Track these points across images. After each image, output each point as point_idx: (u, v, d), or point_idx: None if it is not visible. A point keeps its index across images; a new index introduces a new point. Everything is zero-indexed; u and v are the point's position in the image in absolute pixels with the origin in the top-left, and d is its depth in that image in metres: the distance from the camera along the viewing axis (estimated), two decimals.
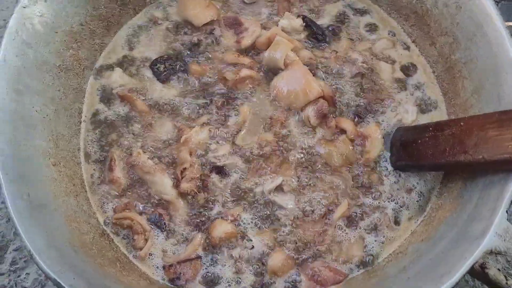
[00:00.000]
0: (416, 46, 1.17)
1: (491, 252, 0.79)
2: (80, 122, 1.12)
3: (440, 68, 1.12)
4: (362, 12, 1.22)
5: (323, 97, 1.08)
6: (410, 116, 1.09)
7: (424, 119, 1.09)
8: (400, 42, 1.18)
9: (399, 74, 1.15)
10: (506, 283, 1.26)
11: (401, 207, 1.03)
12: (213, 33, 1.20)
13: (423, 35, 1.15)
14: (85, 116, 1.13)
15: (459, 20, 1.04)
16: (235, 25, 1.20)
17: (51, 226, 0.89)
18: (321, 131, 1.08)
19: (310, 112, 1.08)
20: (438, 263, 0.83)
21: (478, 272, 1.29)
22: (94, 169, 1.09)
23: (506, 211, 0.81)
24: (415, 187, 1.04)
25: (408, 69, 1.16)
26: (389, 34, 1.19)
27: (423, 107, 1.12)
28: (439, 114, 1.10)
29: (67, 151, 1.06)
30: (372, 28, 1.20)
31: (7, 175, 0.85)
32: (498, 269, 1.37)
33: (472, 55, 1.02)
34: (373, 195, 1.03)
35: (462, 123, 0.93)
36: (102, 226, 1.03)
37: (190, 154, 1.07)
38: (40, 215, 0.88)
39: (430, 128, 0.98)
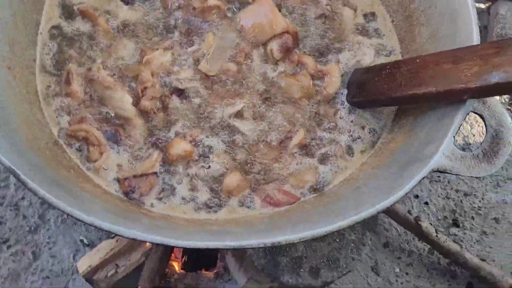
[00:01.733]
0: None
1: (437, 171, 0.85)
2: (37, 34, 1.08)
3: (399, 17, 1.17)
4: None
5: (287, 32, 1.11)
6: (368, 58, 1.14)
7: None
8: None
9: (361, 20, 1.19)
10: (436, 236, 1.36)
11: (353, 140, 1.07)
12: None
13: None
14: (43, 29, 1.09)
15: None
16: None
17: (8, 126, 0.85)
18: (283, 65, 1.11)
19: (274, 45, 1.10)
20: (390, 183, 0.88)
21: (412, 224, 1.38)
22: (50, 82, 1.05)
23: (454, 137, 0.87)
24: (369, 124, 1.09)
25: (369, 17, 1.20)
26: None
27: (381, 52, 1.17)
28: (395, 59, 1.16)
29: (23, 58, 1.02)
30: None
31: None
32: (430, 223, 1.47)
33: (431, 2, 1.08)
34: (329, 128, 1.07)
35: (418, 60, 0.98)
36: (55, 136, 1.00)
37: (152, 76, 1.06)
38: None
39: (387, 67, 1.03)
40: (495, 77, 0.82)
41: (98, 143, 0.99)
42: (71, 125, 1.01)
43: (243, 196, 0.99)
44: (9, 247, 1.39)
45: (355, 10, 1.20)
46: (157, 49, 1.08)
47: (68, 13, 1.11)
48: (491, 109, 0.90)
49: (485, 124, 0.90)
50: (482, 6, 1.72)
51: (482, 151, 0.88)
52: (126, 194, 0.97)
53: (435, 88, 0.91)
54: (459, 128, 0.89)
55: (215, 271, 1.44)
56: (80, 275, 1.32)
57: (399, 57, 1.16)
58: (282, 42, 1.10)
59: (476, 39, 0.95)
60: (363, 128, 1.08)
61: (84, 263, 1.31)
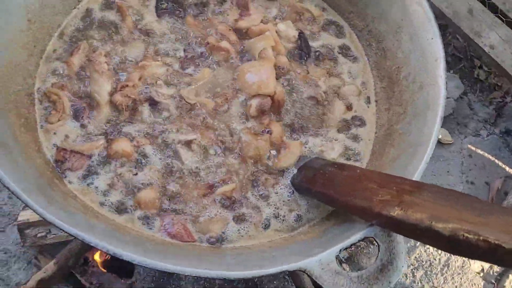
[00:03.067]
0: (376, 105, 1.24)
1: (303, 271, 0.84)
2: (74, 8, 1.24)
3: (382, 132, 1.19)
4: (352, 58, 1.31)
5: (272, 98, 1.16)
6: (332, 153, 1.16)
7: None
8: (365, 95, 1.26)
9: (349, 118, 1.22)
10: None
11: (275, 217, 1.08)
12: (222, 4, 1.31)
13: (385, 99, 1.22)
14: (80, 6, 1.25)
15: (415, 98, 1.11)
16: (243, 7, 1.30)
17: None
18: (253, 122, 1.16)
19: (254, 103, 1.16)
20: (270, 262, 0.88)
21: None
22: (59, 47, 1.19)
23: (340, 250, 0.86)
24: (298, 210, 1.09)
25: (358, 121, 1.22)
26: (361, 84, 1.27)
27: (348, 155, 1.18)
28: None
29: (48, 19, 1.17)
30: (350, 73, 1.28)
31: None
32: None
33: (409, 130, 1.08)
34: (260, 195, 1.09)
35: (358, 171, 0.99)
36: (34, 89, 1.12)
37: (139, 79, 1.16)
38: None
39: (335, 165, 1.04)
40: (394, 212, 0.81)
41: (62, 110, 1.10)
42: (52, 86, 1.13)
43: (148, 213, 1.04)
44: None
45: (348, 108, 1.23)
46: (158, 61, 1.19)
47: (107, 2, 1.26)
48: (391, 244, 0.87)
49: (377, 255, 0.88)
50: None
51: (358, 278, 0.85)
52: (56, 161, 1.06)
53: (352, 201, 0.91)
54: (353, 245, 0.88)
55: (129, 281, 1.47)
56: (15, 224, 1.42)
57: (362, 166, 1.16)
58: (261, 103, 1.16)
59: (417, 175, 0.95)
60: (291, 211, 1.09)
61: (25, 215, 1.41)
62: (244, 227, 1.06)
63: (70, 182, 1.05)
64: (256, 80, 1.17)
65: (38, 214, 0.80)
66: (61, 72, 1.16)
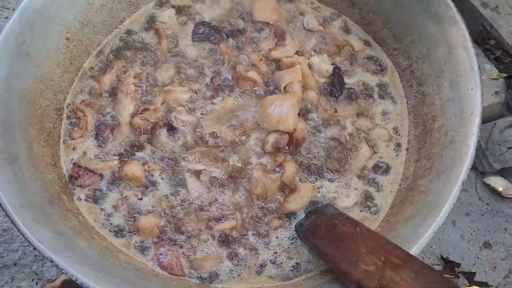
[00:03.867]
0: (406, 154, 1.14)
1: None
2: (115, 28, 1.29)
3: (405, 185, 1.08)
4: (389, 99, 1.21)
5: (290, 135, 1.11)
6: (346, 203, 1.07)
7: (354, 213, 1.07)
8: (395, 141, 1.15)
9: (371, 165, 1.13)
10: None
11: (272, 263, 1.03)
12: (260, 32, 1.28)
13: (416, 148, 1.11)
14: (122, 26, 1.29)
15: (443, 153, 1.00)
16: (280, 37, 1.26)
17: (23, 66, 1.06)
18: (268, 158, 1.12)
19: (271, 138, 1.12)
20: None
21: None
22: (96, 65, 1.24)
23: None
24: (298, 259, 1.03)
25: (382, 169, 1.13)
26: (393, 129, 1.17)
27: (364, 205, 1.08)
28: (370, 222, 1.07)
29: (87, 38, 1.23)
30: (385, 114, 1.19)
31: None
32: None
33: (430, 189, 0.97)
34: (261, 236, 1.05)
35: (358, 228, 0.91)
36: (64, 105, 1.18)
37: (162, 103, 1.17)
38: (24, 56, 1.06)
39: (340, 218, 0.96)
40: (371, 285, 0.74)
41: (85, 127, 1.15)
42: (81, 103, 1.18)
43: (145, 240, 1.04)
44: None
45: (374, 152, 1.14)
46: (184, 86, 1.19)
47: (149, 24, 1.29)
48: None
49: None
50: None
51: None
52: (70, 176, 1.10)
53: (339, 262, 0.84)
54: None
55: None
56: None
57: (377, 220, 1.07)
58: (277, 140, 1.11)
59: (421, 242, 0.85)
60: (290, 258, 1.03)
61: None
62: (237, 269, 1.02)
63: (78, 199, 1.08)
64: (276, 115, 1.13)
65: (20, 232, 0.84)
66: (92, 90, 1.21)
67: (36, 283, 1.51)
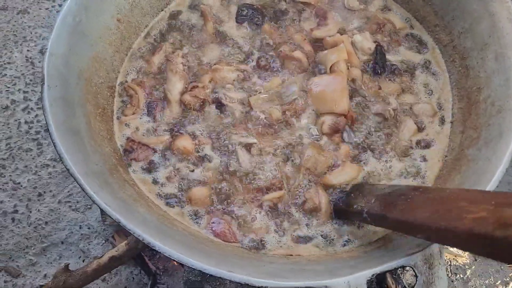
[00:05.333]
0: (450, 127, 1.15)
1: None
2: (161, 10, 1.33)
3: (452, 156, 1.10)
4: (432, 74, 1.23)
5: (345, 116, 1.14)
6: (392, 175, 1.10)
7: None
8: (440, 116, 1.17)
9: (416, 140, 1.15)
10: None
11: (324, 238, 1.06)
12: (302, 12, 1.31)
13: (461, 120, 1.13)
14: (168, 8, 1.33)
15: (490, 122, 1.02)
16: (322, 17, 1.29)
17: (80, 45, 1.11)
18: (323, 139, 1.14)
19: (328, 120, 1.14)
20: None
21: None
22: (144, 46, 1.29)
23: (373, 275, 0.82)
24: (334, 234, 1.06)
25: (427, 142, 1.15)
26: (437, 104, 1.18)
27: (410, 175, 1.11)
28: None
29: (136, 20, 1.28)
30: (427, 89, 1.21)
31: None
32: None
33: (478, 157, 0.99)
34: (306, 210, 1.08)
35: (448, 191, 0.84)
36: (115, 83, 1.23)
37: (210, 81, 1.21)
38: (80, 35, 1.11)
39: (413, 190, 0.93)
40: (490, 229, 0.65)
41: (137, 104, 1.19)
42: (132, 81, 1.23)
43: (198, 210, 1.08)
44: None
45: (420, 128, 1.16)
46: (231, 65, 1.23)
47: (194, 6, 1.33)
48: (430, 277, 0.81)
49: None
50: None
51: None
52: (125, 150, 1.15)
53: (435, 223, 0.78)
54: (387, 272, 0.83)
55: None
56: None
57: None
58: (335, 123, 1.13)
59: None
60: (340, 236, 1.06)
61: None
62: (281, 236, 1.05)
63: (134, 171, 1.13)
64: (329, 96, 1.15)
65: (88, 196, 0.88)
66: (142, 69, 1.25)
67: (83, 260, 1.57)
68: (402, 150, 1.14)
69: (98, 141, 1.08)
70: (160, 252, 1.61)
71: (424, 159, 1.13)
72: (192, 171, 1.12)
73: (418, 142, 1.15)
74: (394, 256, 0.85)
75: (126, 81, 1.24)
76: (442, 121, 1.17)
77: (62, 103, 1.01)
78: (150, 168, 1.13)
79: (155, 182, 1.11)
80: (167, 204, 1.09)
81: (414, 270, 0.82)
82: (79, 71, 1.10)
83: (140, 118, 1.19)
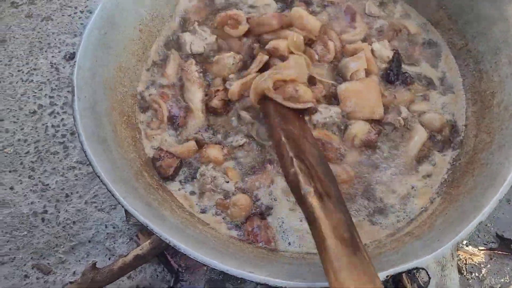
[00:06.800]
0: (464, 130, 1.18)
1: None
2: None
3: (465, 159, 1.12)
4: (444, 78, 1.25)
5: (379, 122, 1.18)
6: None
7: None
8: (452, 119, 1.20)
9: (428, 145, 1.18)
10: None
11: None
12: (325, 8, 1.34)
13: (475, 123, 1.15)
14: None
15: (504, 127, 1.04)
16: (350, 18, 1.32)
17: (106, 56, 1.16)
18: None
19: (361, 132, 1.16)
20: None
21: None
22: (160, 54, 1.34)
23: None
24: None
25: (440, 147, 1.18)
26: (450, 112, 1.21)
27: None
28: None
29: (157, 29, 1.33)
30: (441, 96, 1.23)
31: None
32: None
33: (491, 161, 1.02)
34: None
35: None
36: (137, 91, 1.28)
37: (224, 82, 1.25)
38: (105, 47, 1.16)
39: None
40: None
41: (162, 118, 1.23)
42: (154, 95, 1.28)
43: (235, 217, 1.12)
44: None
45: (432, 135, 1.19)
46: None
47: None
48: (443, 279, 0.85)
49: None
50: None
51: None
52: (153, 159, 1.20)
53: None
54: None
55: None
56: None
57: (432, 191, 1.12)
58: (369, 137, 1.16)
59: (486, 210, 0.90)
60: None
61: None
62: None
63: (164, 180, 1.18)
64: (366, 102, 1.17)
65: (118, 202, 0.94)
66: (159, 82, 1.29)
67: (109, 258, 1.63)
68: (413, 155, 1.16)
69: (124, 148, 1.14)
70: None
71: (435, 162, 1.16)
72: (227, 182, 1.15)
73: (430, 146, 1.18)
74: (407, 258, 0.88)
75: (150, 94, 1.28)
76: (455, 123, 1.19)
77: (91, 113, 1.07)
78: (177, 175, 1.18)
79: (185, 190, 1.17)
80: (202, 211, 1.14)
81: (427, 272, 0.86)
82: (105, 82, 1.15)
83: (167, 131, 1.23)
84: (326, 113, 1.15)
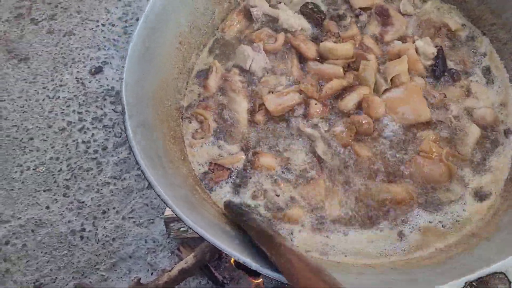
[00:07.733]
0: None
1: None
2: (216, 29, 1.37)
3: None
4: (490, 74, 1.24)
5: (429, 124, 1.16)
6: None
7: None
8: (503, 116, 1.18)
9: (481, 144, 1.16)
10: None
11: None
12: (358, 17, 1.33)
13: None
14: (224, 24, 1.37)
15: None
16: (384, 16, 1.30)
17: (149, 70, 1.15)
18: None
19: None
20: None
21: None
22: (205, 65, 1.32)
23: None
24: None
25: (494, 146, 1.16)
26: (499, 105, 1.19)
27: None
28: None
29: (195, 40, 1.31)
30: (489, 91, 1.21)
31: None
32: None
33: None
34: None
35: None
36: (181, 106, 1.27)
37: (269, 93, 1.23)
38: (149, 61, 1.15)
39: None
40: None
41: (207, 129, 1.22)
42: (197, 107, 1.26)
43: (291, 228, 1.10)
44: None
45: (485, 131, 1.17)
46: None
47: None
48: None
49: None
50: None
51: None
52: (204, 173, 1.18)
53: None
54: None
55: (257, 281, 1.57)
56: (162, 217, 1.61)
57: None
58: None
59: None
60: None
61: (170, 210, 1.59)
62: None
63: (211, 191, 1.16)
64: (410, 107, 1.16)
65: (182, 221, 0.92)
66: (202, 94, 1.29)
67: (151, 274, 1.62)
68: (468, 153, 1.14)
69: (175, 163, 1.12)
70: (225, 262, 1.65)
71: (490, 165, 1.14)
72: (278, 196, 1.13)
73: (483, 145, 1.16)
74: (483, 263, 0.86)
75: (194, 106, 1.26)
76: (506, 120, 1.18)
77: (142, 130, 1.05)
78: (238, 184, 1.15)
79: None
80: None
81: (506, 276, 0.84)
82: (152, 96, 1.14)
83: (210, 141, 1.21)
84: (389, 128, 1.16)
